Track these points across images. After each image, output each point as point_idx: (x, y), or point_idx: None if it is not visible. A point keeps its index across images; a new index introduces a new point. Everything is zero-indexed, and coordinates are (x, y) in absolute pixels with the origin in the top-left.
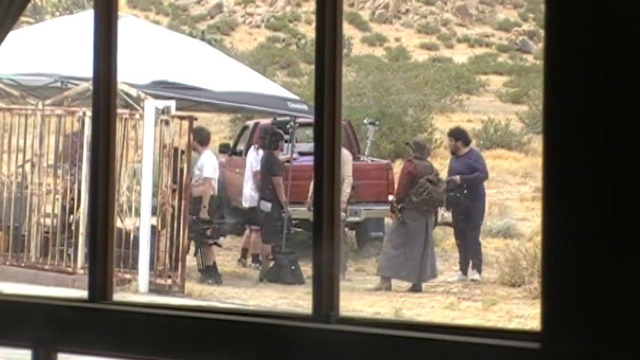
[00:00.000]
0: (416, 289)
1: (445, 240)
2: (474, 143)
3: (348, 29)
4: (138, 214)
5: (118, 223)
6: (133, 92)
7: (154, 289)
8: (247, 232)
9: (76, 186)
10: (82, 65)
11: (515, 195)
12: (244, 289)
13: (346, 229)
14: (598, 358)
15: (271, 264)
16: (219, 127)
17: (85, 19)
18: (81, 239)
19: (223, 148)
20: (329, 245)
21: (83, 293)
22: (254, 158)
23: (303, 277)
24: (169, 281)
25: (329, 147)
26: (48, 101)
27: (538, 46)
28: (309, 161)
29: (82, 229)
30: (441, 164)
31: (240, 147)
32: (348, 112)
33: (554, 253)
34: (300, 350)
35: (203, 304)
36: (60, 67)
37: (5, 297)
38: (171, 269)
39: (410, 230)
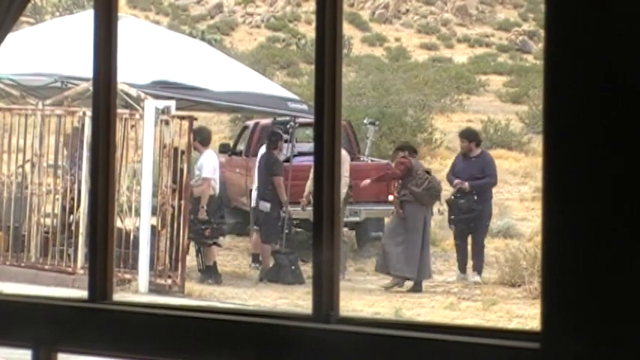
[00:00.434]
0: (416, 288)
1: (445, 240)
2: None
3: (348, 29)
4: (138, 214)
5: (118, 223)
6: (133, 92)
7: (154, 289)
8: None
9: (76, 186)
10: (82, 65)
11: (515, 195)
12: (244, 289)
13: (346, 229)
14: (598, 358)
15: (271, 264)
16: (219, 127)
17: (85, 19)
18: (81, 239)
19: (223, 148)
20: (329, 245)
21: (83, 293)
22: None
23: (303, 277)
24: (169, 281)
25: (329, 147)
26: (48, 101)
27: (538, 46)
28: (307, 161)
29: (82, 229)
30: (441, 164)
31: (240, 147)
32: (348, 112)
33: (554, 253)
34: (300, 350)
35: (203, 304)
36: (60, 67)
37: (5, 297)
38: (171, 269)
39: (410, 226)
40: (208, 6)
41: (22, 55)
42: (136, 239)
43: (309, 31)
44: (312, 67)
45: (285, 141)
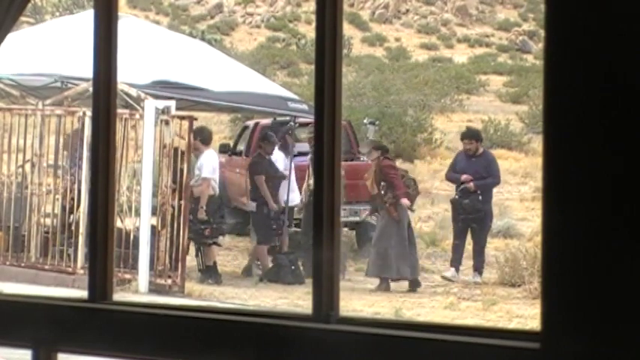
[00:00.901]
0: (414, 286)
1: (445, 240)
2: None
3: (348, 29)
4: (138, 214)
5: (118, 223)
6: (133, 92)
7: (154, 289)
8: None
9: (76, 186)
10: (82, 65)
11: (515, 195)
12: (244, 289)
13: (346, 229)
14: (598, 358)
15: (271, 264)
16: (219, 127)
17: (85, 19)
18: (81, 239)
19: (224, 148)
20: (329, 245)
21: (83, 293)
22: (277, 158)
23: (303, 277)
24: (169, 281)
25: (329, 147)
26: (48, 101)
27: (538, 46)
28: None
29: (82, 229)
30: (441, 164)
31: (241, 147)
32: (348, 112)
33: (554, 253)
34: (300, 350)
35: (203, 304)
36: (60, 67)
37: (5, 297)
38: (171, 269)
39: (401, 226)
40: (208, 6)
41: (22, 55)
42: (136, 239)
43: (309, 31)
44: (312, 67)
45: (284, 140)
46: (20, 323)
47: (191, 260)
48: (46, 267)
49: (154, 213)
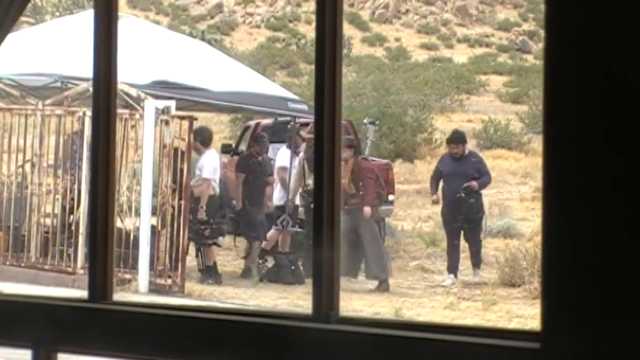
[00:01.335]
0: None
1: (444, 240)
2: (474, 143)
3: (348, 29)
4: (138, 214)
5: (118, 223)
6: (133, 92)
7: (154, 289)
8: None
9: (76, 186)
10: (82, 65)
11: (515, 195)
12: (244, 289)
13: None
14: (598, 358)
15: (271, 264)
16: (220, 127)
17: (85, 19)
18: (81, 239)
19: (225, 149)
20: (329, 245)
21: (83, 293)
22: (282, 156)
23: (303, 277)
24: (169, 281)
25: (329, 147)
26: (48, 101)
27: (538, 46)
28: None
29: (82, 229)
30: None
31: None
32: (348, 112)
33: (554, 253)
34: (300, 350)
35: (203, 304)
36: (60, 67)
37: (5, 297)
38: (171, 269)
39: (377, 228)
40: (208, 6)
41: (22, 55)
42: (136, 239)
43: (309, 31)
44: (312, 67)
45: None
46: (20, 323)
47: (191, 260)
48: (46, 267)
49: (153, 213)
